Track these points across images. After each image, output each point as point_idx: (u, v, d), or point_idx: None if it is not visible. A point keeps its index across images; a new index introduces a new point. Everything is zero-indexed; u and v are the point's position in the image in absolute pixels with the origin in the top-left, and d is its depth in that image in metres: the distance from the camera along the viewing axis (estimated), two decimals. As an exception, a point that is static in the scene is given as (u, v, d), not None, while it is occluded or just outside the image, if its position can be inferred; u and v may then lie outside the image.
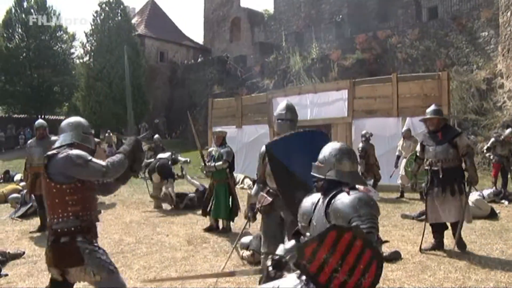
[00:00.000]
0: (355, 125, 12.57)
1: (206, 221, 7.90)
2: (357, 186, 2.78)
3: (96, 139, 11.72)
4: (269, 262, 2.83)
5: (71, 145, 3.17)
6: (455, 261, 5.40)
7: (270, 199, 4.10)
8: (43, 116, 30.98)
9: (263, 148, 4.18)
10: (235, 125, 15.67)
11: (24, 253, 6.23)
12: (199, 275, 4.83)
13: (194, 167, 15.79)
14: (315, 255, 2.18)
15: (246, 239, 5.93)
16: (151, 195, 10.38)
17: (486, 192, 9.57)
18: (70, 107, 33.68)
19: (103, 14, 28.81)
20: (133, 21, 32.60)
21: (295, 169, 3.60)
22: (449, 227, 6.02)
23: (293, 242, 2.94)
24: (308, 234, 2.80)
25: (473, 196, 7.70)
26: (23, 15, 32.34)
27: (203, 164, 7.73)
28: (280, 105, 4.47)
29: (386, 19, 25.60)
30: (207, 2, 37.23)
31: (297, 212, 2.97)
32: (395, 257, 5.49)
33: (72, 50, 36.35)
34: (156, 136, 14.20)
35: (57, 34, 34.58)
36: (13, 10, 32.71)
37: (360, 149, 10.71)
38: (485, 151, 10.97)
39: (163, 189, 9.96)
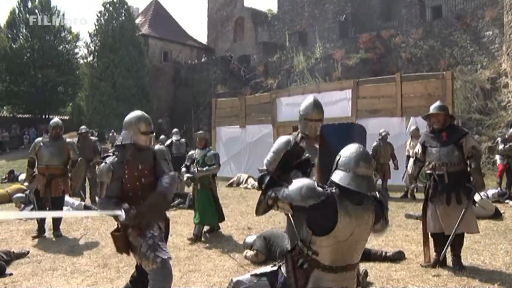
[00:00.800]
0: (359, 124, 12.51)
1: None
2: None
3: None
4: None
5: None
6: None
7: None
8: (47, 116, 31.13)
9: (285, 137, 4.06)
10: (239, 125, 15.68)
11: (28, 252, 6.24)
12: None
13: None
14: None
15: (250, 239, 5.93)
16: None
17: (491, 192, 9.54)
18: (74, 107, 33.75)
19: (107, 14, 28.84)
20: (137, 21, 32.61)
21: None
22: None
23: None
24: None
25: (477, 197, 7.61)
26: (27, 16, 32.45)
27: (195, 169, 7.16)
28: (306, 101, 4.22)
29: (390, 18, 25.58)
30: (210, 1, 37.24)
31: None
32: (399, 257, 5.48)
33: (76, 50, 36.47)
34: (162, 136, 14.28)
35: (61, 35, 34.68)
36: (16, 11, 32.86)
37: (372, 148, 10.54)
38: (500, 153, 10.42)
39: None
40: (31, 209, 8.95)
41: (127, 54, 27.59)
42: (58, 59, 33.77)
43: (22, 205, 9.61)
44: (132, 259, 5.82)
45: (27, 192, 9.60)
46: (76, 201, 9.67)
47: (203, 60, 32.95)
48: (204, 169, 7.04)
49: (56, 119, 7.96)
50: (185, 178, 7.39)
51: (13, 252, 6.04)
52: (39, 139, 7.68)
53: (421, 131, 10.90)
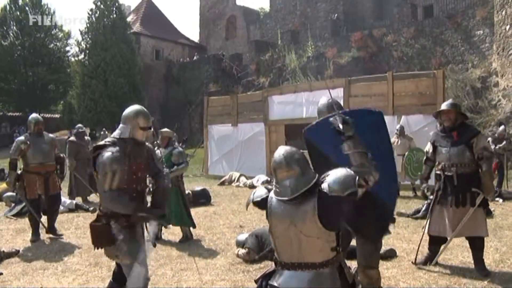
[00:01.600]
0: (351, 123, 12.54)
1: (201, 220, 7.87)
2: None
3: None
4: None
5: None
6: (449, 259, 5.42)
7: None
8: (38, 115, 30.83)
9: None
10: (231, 123, 15.65)
11: (18, 251, 6.19)
12: None
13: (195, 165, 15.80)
14: None
15: (241, 237, 5.93)
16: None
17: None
18: (65, 105, 33.56)
19: (98, 12, 28.67)
20: (129, 19, 32.48)
21: (329, 153, 3.35)
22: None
23: None
24: None
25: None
26: (18, 13, 32.19)
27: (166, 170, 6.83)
28: (322, 100, 4.00)
29: (381, 17, 25.71)
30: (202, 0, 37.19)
31: None
32: (390, 255, 5.50)
33: (67, 48, 36.28)
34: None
35: (52, 32, 34.47)
36: (7, 8, 32.57)
37: None
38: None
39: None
40: (22, 208, 8.82)
41: (119, 52, 27.45)
42: (49, 57, 33.60)
43: (13, 204, 9.53)
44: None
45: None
46: (67, 199, 9.62)
47: (195, 58, 32.91)
48: (174, 169, 6.67)
49: (35, 115, 7.51)
50: None
51: (3, 251, 6.00)
52: (21, 138, 7.05)
53: (413, 130, 11.01)
